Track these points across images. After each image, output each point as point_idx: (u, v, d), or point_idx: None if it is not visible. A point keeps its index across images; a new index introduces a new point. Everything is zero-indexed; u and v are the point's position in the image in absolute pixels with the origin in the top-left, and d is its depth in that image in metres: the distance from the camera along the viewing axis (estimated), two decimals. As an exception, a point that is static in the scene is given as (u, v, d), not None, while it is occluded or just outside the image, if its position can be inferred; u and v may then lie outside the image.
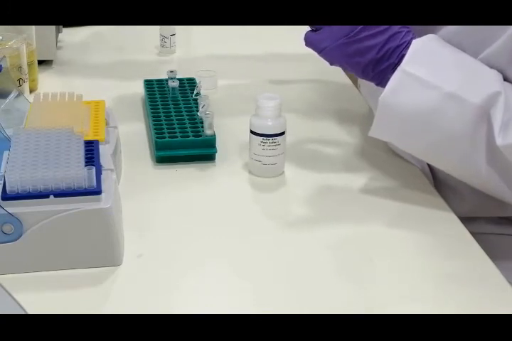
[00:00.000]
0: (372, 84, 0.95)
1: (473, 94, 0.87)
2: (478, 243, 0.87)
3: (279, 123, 0.98)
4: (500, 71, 0.90)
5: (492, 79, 0.89)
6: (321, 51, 0.92)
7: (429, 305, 0.77)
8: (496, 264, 0.84)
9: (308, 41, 0.92)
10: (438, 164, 0.93)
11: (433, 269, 0.83)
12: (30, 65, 1.21)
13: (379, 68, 0.90)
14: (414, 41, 0.90)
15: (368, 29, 0.89)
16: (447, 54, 0.91)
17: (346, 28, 0.89)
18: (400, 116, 0.89)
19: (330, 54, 0.91)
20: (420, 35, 0.91)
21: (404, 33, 0.89)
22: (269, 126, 0.97)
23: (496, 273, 0.82)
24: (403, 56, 0.89)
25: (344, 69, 0.99)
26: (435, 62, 0.90)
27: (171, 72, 1.17)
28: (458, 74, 0.89)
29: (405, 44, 0.89)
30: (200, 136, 1.03)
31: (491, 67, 0.90)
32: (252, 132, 0.98)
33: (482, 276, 0.82)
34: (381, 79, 0.90)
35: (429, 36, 0.92)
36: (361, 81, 1.15)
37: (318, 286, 0.80)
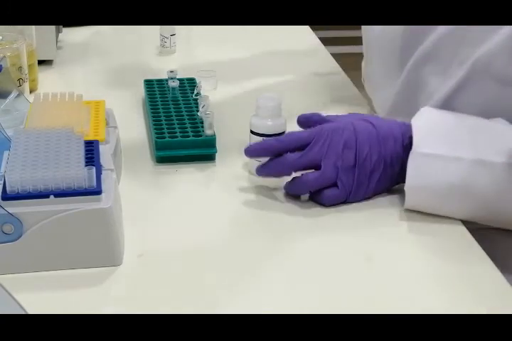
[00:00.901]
0: (376, 82, 0.95)
1: (495, 154, 0.87)
2: (479, 240, 0.87)
3: (279, 123, 0.98)
4: (499, 71, 0.90)
5: (503, 133, 0.89)
6: (345, 201, 0.92)
7: (429, 305, 0.77)
8: (496, 263, 0.84)
9: (329, 200, 0.92)
10: (478, 222, 0.92)
11: (433, 269, 0.83)
12: (30, 64, 1.21)
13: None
14: (413, 120, 0.90)
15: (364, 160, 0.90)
16: (450, 121, 0.91)
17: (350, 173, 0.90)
18: (430, 196, 0.88)
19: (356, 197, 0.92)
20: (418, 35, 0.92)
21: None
22: (269, 126, 0.97)
23: (496, 273, 0.82)
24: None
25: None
26: (444, 134, 0.89)
27: (171, 72, 1.17)
28: (472, 139, 0.88)
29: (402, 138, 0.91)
30: (201, 136, 1.03)
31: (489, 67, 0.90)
32: (252, 132, 0.98)
33: (482, 276, 0.82)
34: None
35: (425, 109, 0.92)
36: (366, 76, 1.16)
37: (318, 286, 0.80)
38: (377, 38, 1.06)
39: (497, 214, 0.89)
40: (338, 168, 0.90)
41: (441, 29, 0.95)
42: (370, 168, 0.91)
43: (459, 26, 0.92)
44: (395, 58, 1.03)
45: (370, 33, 1.08)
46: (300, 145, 0.91)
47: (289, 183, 0.93)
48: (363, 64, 1.17)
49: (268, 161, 0.93)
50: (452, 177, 0.87)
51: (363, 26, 1.11)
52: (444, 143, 0.88)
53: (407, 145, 0.90)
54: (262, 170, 0.94)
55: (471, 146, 0.88)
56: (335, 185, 0.91)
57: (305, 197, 0.94)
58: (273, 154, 0.92)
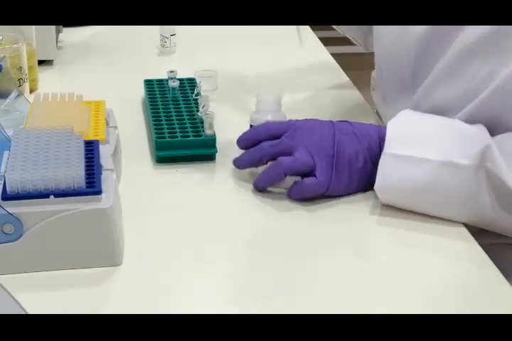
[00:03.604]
0: (389, 95, 0.95)
1: (463, 156, 0.87)
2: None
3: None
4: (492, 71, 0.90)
5: (478, 136, 0.89)
6: (326, 190, 0.92)
7: (429, 305, 0.77)
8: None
9: (308, 189, 0.92)
10: (449, 218, 0.93)
11: (432, 269, 0.83)
12: (30, 65, 1.21)
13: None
14: (389, 123, 0.92)
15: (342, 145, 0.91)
16: (425, 124, 0.93)
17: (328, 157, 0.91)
18: (399, 195, 0.90)
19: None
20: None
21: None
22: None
23: (496, 273, 0.82)
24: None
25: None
26: (415, 136, 0.91)
27: (171, 72, 1.17)
28: (442, 141, 0.90)
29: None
30: (201, 136, 1.03)
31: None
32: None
33: (482, 276, 0.82)
34: None
35: (403, 112, 0.94)
36: (375, 86, 1.15)
37: (318, 286, 0.80)
38: (390, 52, 1.04)
39: (462, 212, 0.90)
40: (314, 154, 0.91)
41: (461, 43, 0.94)
42: (347, 158, 0.92)
43: (482, 40, 0.91)
44: (408, 71, 1.01)
45: (380, 46, 1.06)
46: (278, 135, 0.93)
47: (263, 172, 0.94)
48: (374, 73, 1.16)
49: (244, 152, 0.96)
50: (419, 178, 0.88)
51: (374, 38, 1.08)
52: (414, 145, 0.89)
53: (382, 146, 0.91)
54: (240, 160, 0.96)
55: (441, 148, 0.89)
56: (314, 175, 0.91)
57: (279, 188, 0.94)
58: (254, 142, 0.95)
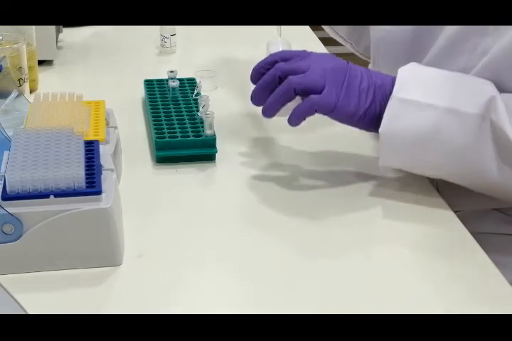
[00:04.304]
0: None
1: (469, 105, 0.88)
2: (482, 242, 0.87)
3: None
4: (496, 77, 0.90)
5: (484, 86, 0.90)
6: (334, 108, 0.91)
7: (429, 305, 0.77)
8: (496, 264, 0.84)
9: (316, 102, 0.90)
10: (450, 178, 0.93)
11: (432, 269, 0.83)
12: (30, 65, 1.21)
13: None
14: (400, 70, 0.92)
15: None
16: (433, 73, 0.93)
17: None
18: (403, 141, 0.90)
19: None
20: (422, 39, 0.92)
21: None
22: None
23: (496, 273, 0.82)
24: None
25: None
26: (424, 83, 0.91)
27: (171, 72, 1.17)
28: (449, 89, 0.90)
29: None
30: (201, 136, 1.03)
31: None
32: None
33: (482, 276, 0.82)
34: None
35: (414, 63, 0.94)
36: None
37: (318, 286, 0.80)
38: (385, 41, 1.05)
39: (464, 167, 0.90)
40: (326, 73, 0.90)
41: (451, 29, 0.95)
42: (359, 84, 0.91)
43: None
44: (405, 57, 1.02)
45: (376, 32, 1.07)
46: (292, 58, 0.94)
47: (272, 94, 0.92)
48: (370, 66, 1.16)
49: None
50: (424, 123, 0.89)
51: (370, 28, 1.10)
52: (421, 90, 0.90)
53: (391, 91, 0.91)
54: (255, 92, 0.94)
55: (448, 95, 0.89)
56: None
57: (286, 111, 0.93)
58: (269, 64, 0.94)
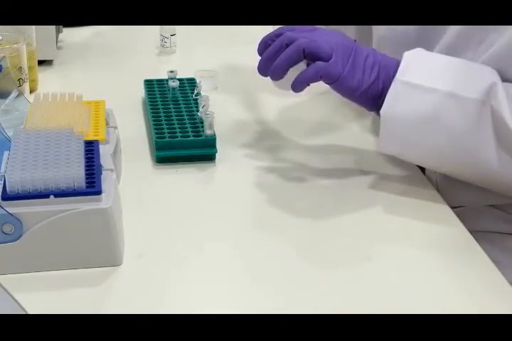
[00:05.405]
0: None
1: (470, 90, 0.88)
2: (482, 241, 0.87)
3: None
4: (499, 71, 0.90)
5: (485, 73, 0.90)
6: (338, 77, 0.90)
7: (429, 305, 0.77)
8: (494, 262, 0.84)
9: (321, 68, 0.90)
10: (449, 169, 0.93)
11: (432, 269, 0.83)
12: (30, 65, 1.21)
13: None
14: (405, 53, 0.92)
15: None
16: (438, 59, 0.93)
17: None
18: (403, 124, 0.90)
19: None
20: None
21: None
22: None
23: (495, 273, 0.82)
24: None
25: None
26: (428, 68, 0.92)
27: (171, 72, 1.17)
28: (452, 74, 0.91)
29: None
30: (201, 136, 1.03)
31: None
32: None
33: (482, 276, 0.82)
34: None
35: (418, 48, 0.94)
36: None
37: (318, 286, 0.80)
38: (388, 39, 1.05)
39: (463, 155, 0.90)
40: (334, 45, 0.90)
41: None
42: (364, 59, 0.91)
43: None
44: None
45: (379, 30, 1.07)
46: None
47: (280, 55, 0.92)
48: None
49: None
50: (425, 106, 0.89)
51: (373, 26, 1.10)
52: (424, 74, 0.90)
53: (395, 72, 0.91)
54: (263, 61, 0.94)
55: (450, 80, 0.90)
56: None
57: (287, 82, 0.93)
58: (276, 36, 0.94)
